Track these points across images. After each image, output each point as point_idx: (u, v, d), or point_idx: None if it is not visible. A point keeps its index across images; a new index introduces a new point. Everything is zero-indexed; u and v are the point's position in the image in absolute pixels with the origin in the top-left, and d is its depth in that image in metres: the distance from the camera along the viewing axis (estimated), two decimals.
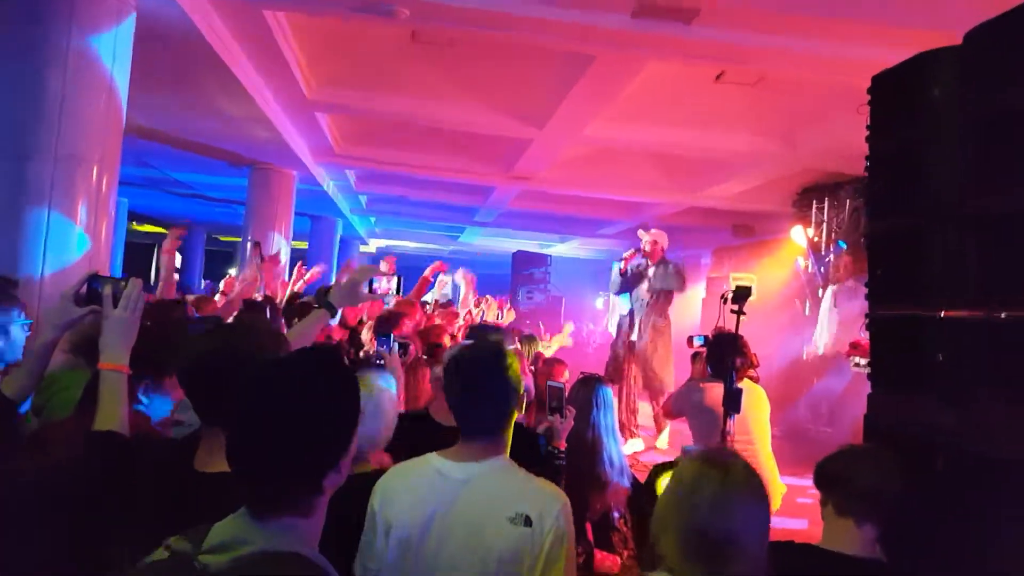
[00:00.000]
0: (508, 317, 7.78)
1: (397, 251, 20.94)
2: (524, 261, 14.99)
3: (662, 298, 6.98)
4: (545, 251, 16.80)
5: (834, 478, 1.94)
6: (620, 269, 7.11)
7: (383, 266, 5.38)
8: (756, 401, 3.81)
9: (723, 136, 7.23)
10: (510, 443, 1.85)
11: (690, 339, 4.21)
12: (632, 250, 7.13)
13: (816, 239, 8.65)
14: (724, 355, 3.63)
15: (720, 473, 1.47)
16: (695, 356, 4.38)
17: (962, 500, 2.03)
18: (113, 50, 4.40)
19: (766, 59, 5.08)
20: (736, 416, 3.39)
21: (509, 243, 16.85)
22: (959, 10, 2.69)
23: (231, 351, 1.55)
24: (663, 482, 1.84)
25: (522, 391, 1.85)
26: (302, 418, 1.18)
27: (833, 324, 7.73)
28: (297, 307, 4.19)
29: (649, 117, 7.01)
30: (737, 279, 9.58)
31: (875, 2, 4.25)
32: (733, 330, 3.63)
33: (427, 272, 5.62)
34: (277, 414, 1.17)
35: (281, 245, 9.31)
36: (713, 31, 4.57)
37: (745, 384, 3.64)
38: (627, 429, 6.76)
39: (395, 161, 9.27)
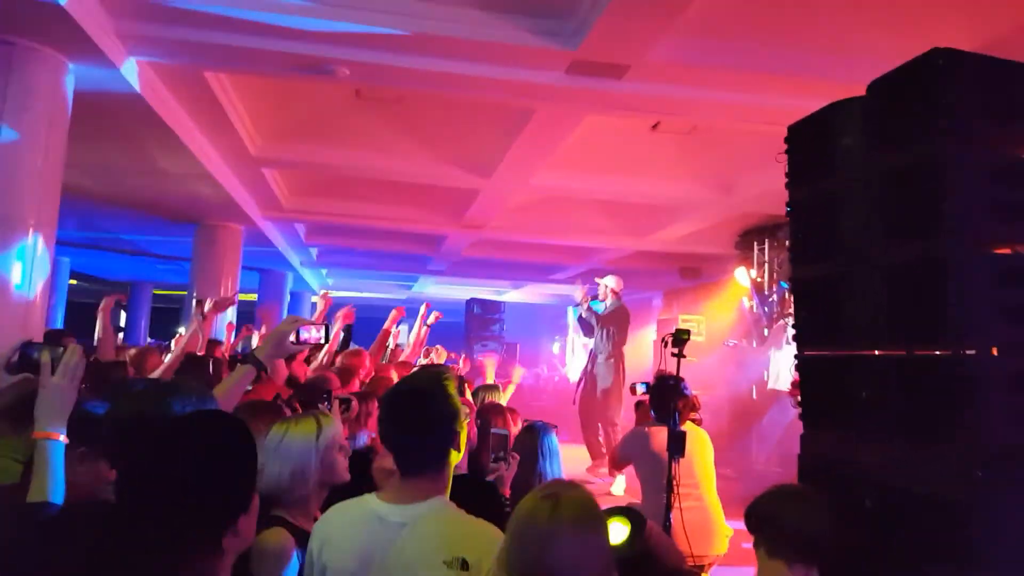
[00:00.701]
0: (463, 370, 7.72)
1: (347, 301, 20.70)
2: (478, 309, 14.98)
3: (610, 334, 7.81)
4: (499, 298, 16.83)
5: (764, 519, 1.94)
6: (581, 311, 8.08)
7: (319, 302, 5.31)
8: (699, 444, 3.84)
9: (663, 182, 7.44)
10: (451, 484, 1.81)
11: (633, 387, 4.23)
12: (587, 298, 8.07)
13: (759, 279, 8.89)
14: (666, 399, 3.66)
15: (549, 506, 1.43)
16: (639, 405, 4.39)
17: (892, 537, 2.07)
18: (50, 110, 4.35)
19: (696, 110, 5.28)
20: (681, 460, 3.39)
21: (463, 291, 16.85)
22: (872, 61, 2.86)
23: (144, 413, 1.54)
24: (610, 528, 1.83)
25: (463, 425, 1.80)
26: (180, 482, 1.19)
27: (790, 360, 7.97)
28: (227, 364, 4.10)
29: (592, 165, 7.19)
30: (686, 320, 9.89)
31: (793, 56, 4.49)
32: (675, 373, 3.66)
33: (388, 323, 5.58)
34: (154, 479, 1.19)
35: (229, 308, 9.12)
36: (644, 85, 4.75)
37: (688, 427, 3.66)
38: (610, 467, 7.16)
39: (344, 213, 9.25)
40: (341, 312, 5.53)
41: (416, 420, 1.74)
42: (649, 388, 4.08)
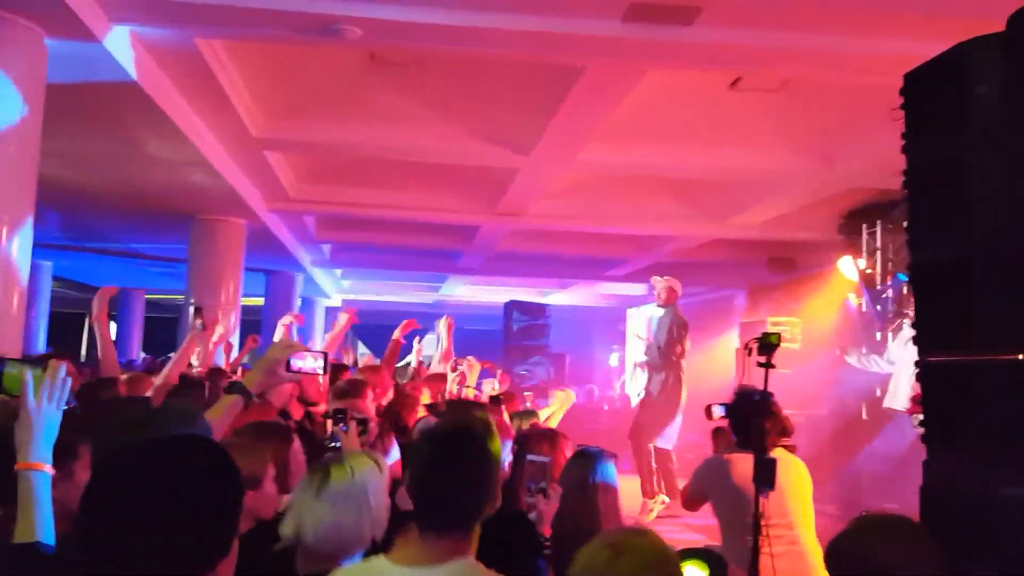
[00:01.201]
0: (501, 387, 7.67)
1: (367, 307, 20.97)
2: (518, 314, 14.97)
3: (664, 349, 7.88)
4: (543, 301, 16.80)
5: (851, 559, 1.88)
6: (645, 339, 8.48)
7: (341, 318, 5.38)
8: (794, 475, 3.73)
9: (746, 153, 7.28)
10: (478, 534, 1.82)
11: (709, 409, 4.12)
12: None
13: (869, 271, 8.63)
14: (750, 419, 3.55)
15: (608, 556, 1.44)
16: (717, 433, 4.30)
17: None
18: (23, 90, 4.45)
19: (785, 60, 5.14)
20: (770, 494, 3.28)
21: (500, 294, 16.89)
22: None
23: (116, 441, 1.56)
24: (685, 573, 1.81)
25: (499, 479, 1.84)
26: (142, 524, 1.21)
27: (910, 370, 7.77)
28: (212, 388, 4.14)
29: (655, 135, 7.08)
30: (776, 323, 9.76)
31: None
32: (761, 388, 3.54)
33: (397, 333, 5.59)
34: (114, 523, 1.21)
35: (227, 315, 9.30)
36: (719, 31, 4.63)
37: (779, 454, 3.54)
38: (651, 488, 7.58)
39: (360, 202, 9.33)
40: (341, 318, 5.53)
41: (453, 472, 1.78)
42: (729, 408, 3.98)
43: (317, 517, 2.03)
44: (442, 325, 6.47)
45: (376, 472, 2.25)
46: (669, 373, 7.85)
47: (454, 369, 6.61)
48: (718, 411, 4.11)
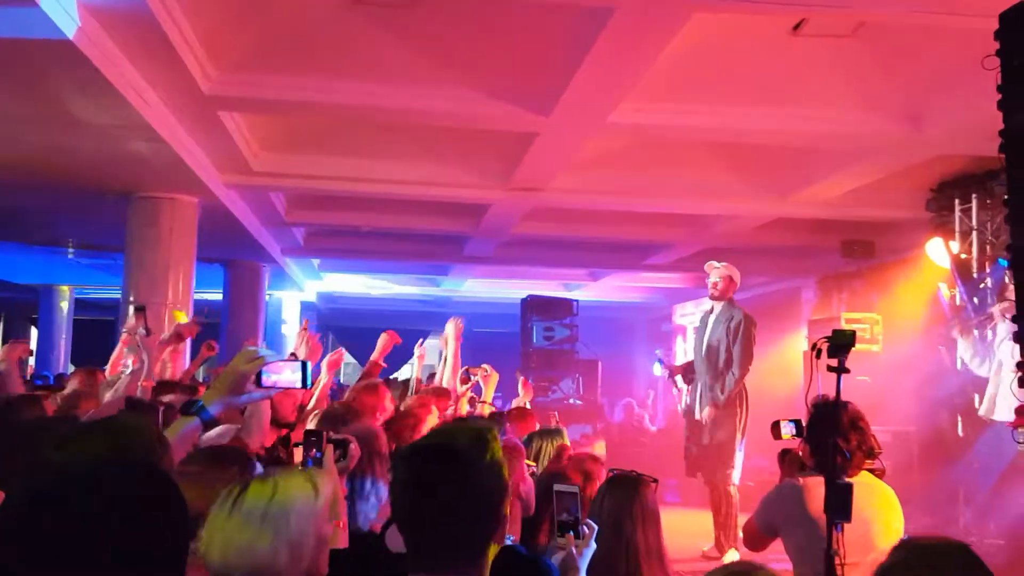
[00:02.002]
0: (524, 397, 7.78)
1: (349, 304, 21.09)
2: (539, 311, 15.00)
3: (724, 356, 7.75)
4: (569, 295, 16.83)
5: None
6: (664, 365, 8.65)
7: (297, 340, 5.50)
8: (880, 503, 3.79)
9: (812, 113, 7.32)
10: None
11: (776, 427, 4.15)
12: (664, 371, 8.70)
13: (963, 256, 8.65)
14: (824, 435, 3.62)
15: None
16: (784, 455, 4.33)
17: None
18: None
19: None
20: (851, 528, 3.35)
21: (515, 288, 16.97)
22: None
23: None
24: None
25: (506, 504, 1.85)
26: (63, 565, 1.22)
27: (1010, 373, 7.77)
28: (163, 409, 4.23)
29: (702, 92, 7.13)
30: (852, 320, 9.76)
31: None
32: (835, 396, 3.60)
33: (376, 355, 5.73)
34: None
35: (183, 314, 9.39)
36: None
37: (861, 480, 3.60)
38: (723, 541, 7.51)
39: (339, 175, 9.41)
40: (327, 360, 5.71)
41: (444, 497, 1.79)
42: (800, 426, 4.03)
43: (226, 536, 2.07)
44: (450, 329, 6.51)
45: (308, 495, 2.21)
46: (736, 393, 7.71)
47: (465, 380, 6.67)
48: (787, 429, 4.14)
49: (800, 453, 4.14)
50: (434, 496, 1.81)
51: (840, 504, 3.33)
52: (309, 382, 2.51)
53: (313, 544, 2.23)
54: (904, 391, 8.75)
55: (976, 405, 7.83)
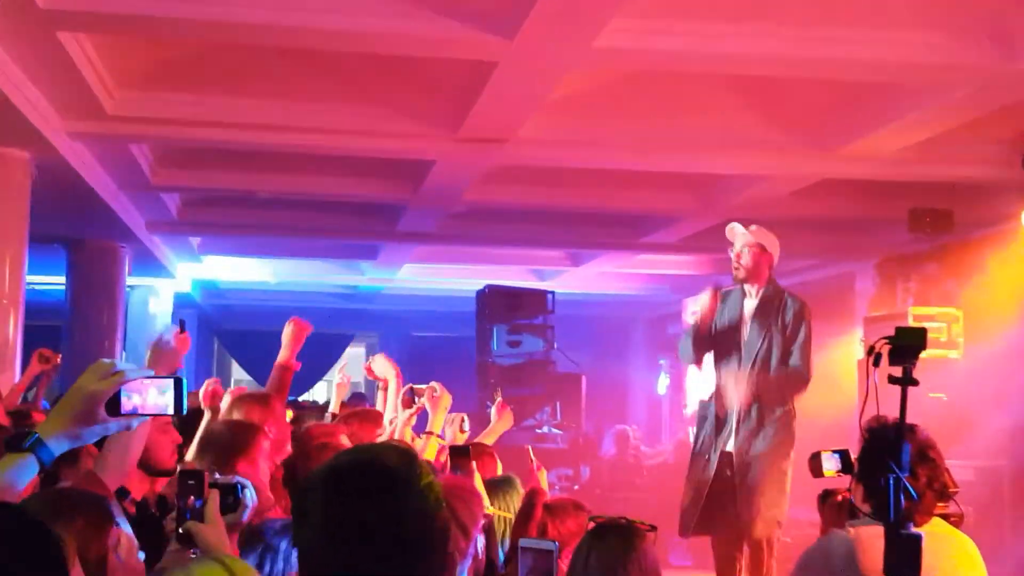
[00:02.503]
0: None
1: (239, 299, 21.01)
2: (501, 307, 15.00)
3: (777, 361, 7.43)
4: (541, 286, 16.86)
5: None
6: (697, 319, 7.73)
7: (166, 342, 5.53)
8: (958, 560, 3.85)
9: (869, 36, 7.37)
10: None
11: (816, 460, 4.24)
12: (709, 290, 7.63)
13: None
14: (885, 471, 3.64)
15: None
16: (825, 498, 4.41)
17: None
18: None
19: None
20: None
21: (468, 277, 17.00)
22: None
23: None
24: None
25: (448, 548, 1.93)
26: None
27: None
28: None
29: (720, 9, 7.16)
30: (921, 316, 9.84)
31: None
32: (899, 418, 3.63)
33: (285, 353, 5.91)
34: None
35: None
36: None
37: (932, 529, 3.66)
38: None
39: (228, 120, 9.30)
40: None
41: (380, 535, 1.84)
42: (847, 459, 4.13)
43: None
44: (381, 366, 6.56)
45: None
46: (783, 411, 7.46)
47: (409, 404, 6.67)
48: (831, 463, 4.22)
49: (850, 495, 4.18)
50: (367, 534, 1.84)
51: (907, 562, 3.36)
52: (185, 407, 2.47)
53: None
54: (993, 413, 8.84)
55: None
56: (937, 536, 3.56)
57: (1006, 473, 8.63)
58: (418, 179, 11.29)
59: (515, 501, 5.24)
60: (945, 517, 3.94)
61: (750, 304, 7.58)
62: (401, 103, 9.32)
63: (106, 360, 2.32)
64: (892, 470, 3.57)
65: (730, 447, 7.50)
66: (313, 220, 14.05)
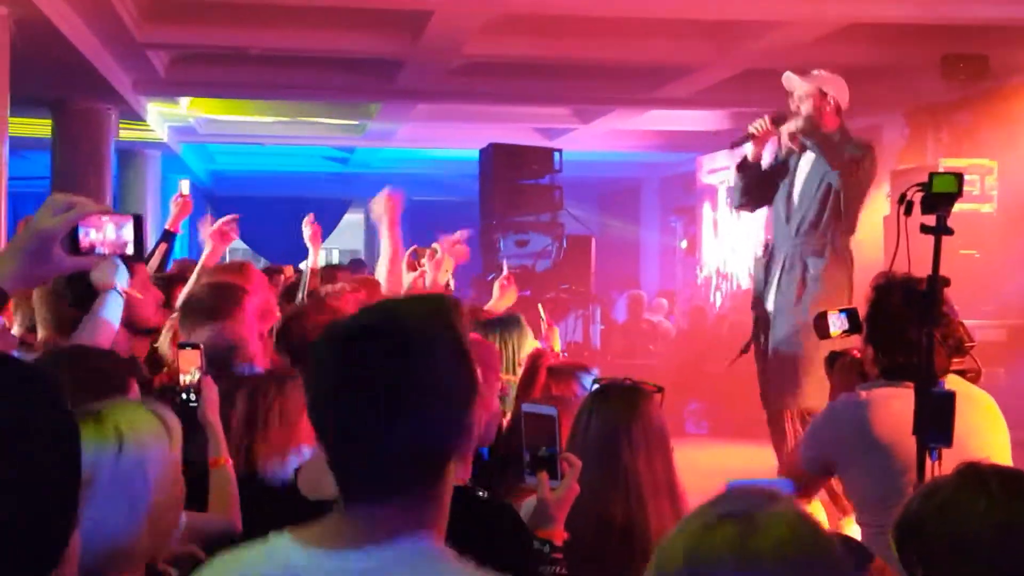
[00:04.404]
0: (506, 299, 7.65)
1: (230, 165, 21.02)
2: (508, 164, 14.89)
3: (836, 214, 6.88)
4: (549, 145, 16.76)
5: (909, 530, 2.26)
6: (752, 155, 7.12)
7: (173, 208, 5.56)
8: (980, 418, 3.89)
9: None
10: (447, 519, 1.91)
11: (822, 320, 4.29)
12: (765, 118, 6.97)
13: None
14: (905, 326, 3.62)
15: (735, 534, 1.58)
16: (833, 360, 4.47)
17: None
18: None
19: None
20: (945, 454, 3.38)
21: (471, 136, 16.90)
22: None
23: None
24: None
25: (475, 407, 1.89)
26: None
27: None
28: None
29: None
30: (952, 168, 9.71)
31: None
32: (930, 272, 3.60)
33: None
34: None
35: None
36: None
37: (954, 385, 3.63)
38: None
39: None
40: (214, 229, 5.85)
41: (383, 396, 1.82)
42: (855, 318, 4.15)
43: None
44: (380, 206, 6.42)
45: (161, 437, 2.28)
46: (838, 264, 6.90)
47: (413, 267, 6.68)
48: (837, 322, 4.26)
49: (860, 355, 4.17)
50: (375, 395, 1.82)
51: (940, 421, 3.38)
52: (145, 248, 2.43)
53: (174, 514, 2.35)
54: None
55: None
56: (960, 392, 3.55)
57: None
58: (416, 31, 11.19)
59: (520, 340, 5.21)
60: (961, 373, 3.95)
61: (807, 157, 7.01)
62: None
63: (60, 195, 2.24)
64: (915, 323, 3.57)
65: (769, 305, 7.10)
66: (307, 78, 13.99)
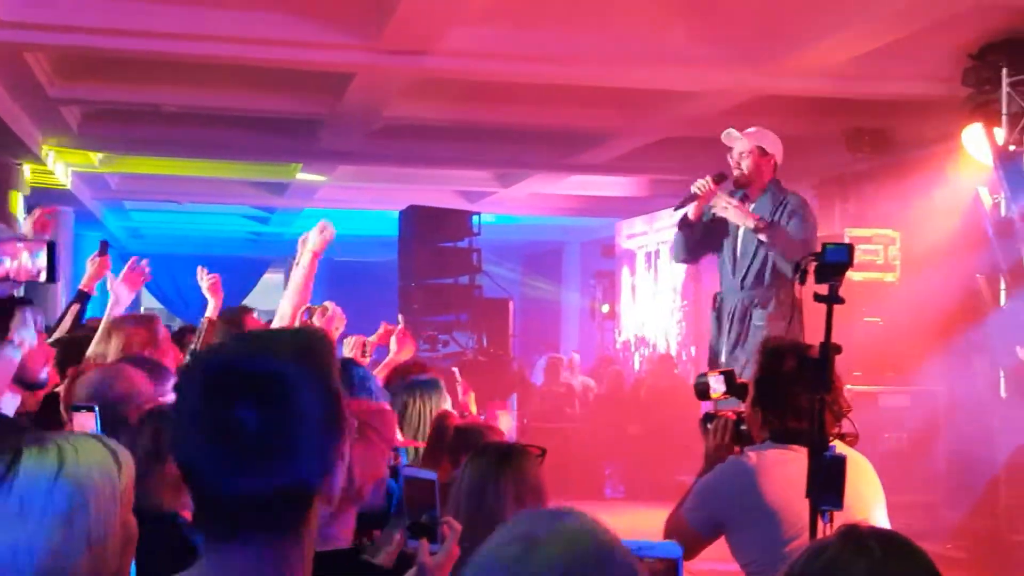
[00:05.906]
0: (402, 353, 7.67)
1: (145, 223, 20.76)
2: (427, 226, 14.92)
3: (778, 265, 6.96)
4: (468, 207, 16.83)
5: None
6: (692, 213, 7.25)
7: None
8: (864, 482, 3.97)
9: None
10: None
11: (702, 385, 4.35)
12: (707, 179, 7.13)
13: (1012, 147, 8.81)
14: (794, 391, 3.70)
15: (519, 551, 1.56)
16: (707, 423, 4.40)
17: None
18: None
19: None
20: (835, 516, 3.46)
21: (393, 200, 16.86)
22: None
23: None
24: None
25: (345, 443, 1.86)
26: None
27: None
28: None
29: None
30: (857, 238, 9.72)
31: None
32: (822, 339, 3.69)
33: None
34: None
35: None
36: None
37: (839, 447, 3.72)
38: None
39: (130, 27, 9.09)
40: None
41: (241, 435, 1.78)
42: (730, 380, 4.25)
43: None
44: (312, 234, 6.39)
45: (109, 468, 2.21)
46: (782, 315, 6.90)
47: (305, 324, 6.64)
48: (717, 384, 4.31)
49: (734, 417, 4.23)
50: (232, 434, 1.77)
51: (831, 484, 3.44)
52: (58, 274, 2.39)
53: (119, 542, 2.21)
54: (930, 338, 8.91)
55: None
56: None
57: (941, 399, 8.77)
58: (337, 93, 11.20)
59: (438, 403, 5.32)
60: (840, 437, 3.97)
61: (751, 205, 7.16)
62: (318, 10, 9.20)
63: None
64: (817, 391, 3.64)
65: (723, 356, 7.17)
66: (225, 137, 13.91)
